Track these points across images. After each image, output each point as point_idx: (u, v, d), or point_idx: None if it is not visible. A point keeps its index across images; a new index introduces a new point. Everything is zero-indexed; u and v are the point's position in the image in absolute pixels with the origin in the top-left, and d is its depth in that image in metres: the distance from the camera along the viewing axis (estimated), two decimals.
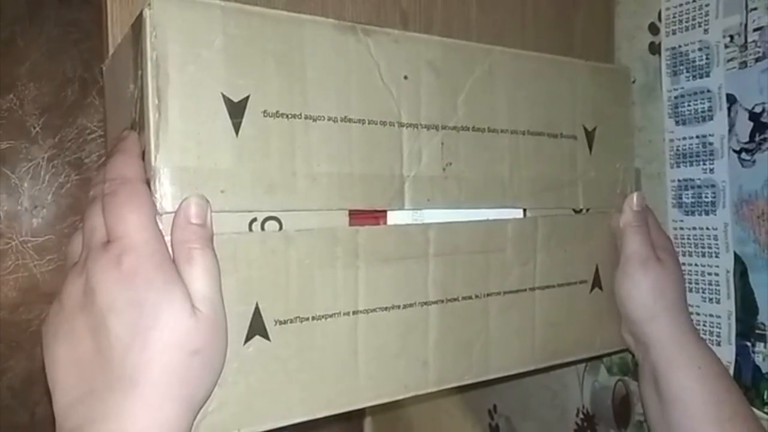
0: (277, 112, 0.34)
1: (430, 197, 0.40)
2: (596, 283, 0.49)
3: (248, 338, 0.34)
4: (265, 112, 0.34)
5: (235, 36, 0.33)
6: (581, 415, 0.63)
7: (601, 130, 0.49)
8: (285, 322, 0.35)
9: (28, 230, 1.05)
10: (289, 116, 0.35)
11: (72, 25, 1.07)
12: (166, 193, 0.31)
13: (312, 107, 0.36)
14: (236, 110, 0.33)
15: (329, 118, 0.36)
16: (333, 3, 0.45)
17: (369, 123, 0.38)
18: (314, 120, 0.36)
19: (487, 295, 0.43)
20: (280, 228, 0.35)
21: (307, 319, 0.36)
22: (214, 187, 0.32)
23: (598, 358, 0.60)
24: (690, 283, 0.51)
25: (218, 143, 0.33)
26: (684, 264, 0.51)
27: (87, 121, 1.07)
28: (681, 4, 0.51)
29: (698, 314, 0.51)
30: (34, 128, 1.04)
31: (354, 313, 0.37)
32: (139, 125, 0.33)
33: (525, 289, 0.45)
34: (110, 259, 0.29)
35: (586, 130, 0.49)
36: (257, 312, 0.34)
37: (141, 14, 0.31)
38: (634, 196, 0.49)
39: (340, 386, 0.37)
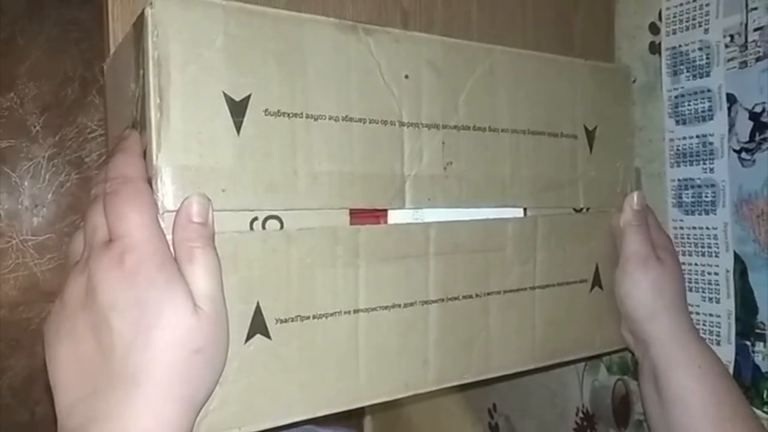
0: (278, 111, 0.34)
1: (430, 196, 0.40)
2: (596, 282, 0.49)
3: (249, 337, 0.34)
4: (266, 111, 0.34)
5: (236, 35, 0.33)
6: (581, 414, 0.63)
7: (601, 130, 0.49)
8: (286, 321, 0.35)
9: (29, 229, 1.05)
10: (291, 115, 0.35)
11: (72, 23, 1.07)
12: (167, 192, 0.31)
13: (313, 106, 0.36)
14: (238, 109, 0.33)
15: (330, 117, 0.36)
16: (334, 2, 0.45)
17: (370, 122, 0.38)
18: (315, 119, 0.36)
19: (488, 294, 0.43)
20: (281, 227, 0.35)
21: (308, 317, 0.36)
22: (216, 186, 0.32)
23: (598, 357, 0.60)
24: (690, 282, 0.51)
25: (220, 142, 0.33)
26: (684, 263, 0.51)
27: (87, 120, 1.07)
28: (681, 4, 0.51)
29: (698, 314, 0.51)
30: (35, 127, 1.04)
31: (354, 311, 0.37)
32: (140, 124, 0.33)
33: (525, 288, 0.45)
34: (112, 258, 0.29)
35: (586, 129, 0.49)
36: (258, 311, 0.34)
37: (142, 13, 0.31)
38: (635, 195, 0.49)
39: (340, 385, 0.37)
